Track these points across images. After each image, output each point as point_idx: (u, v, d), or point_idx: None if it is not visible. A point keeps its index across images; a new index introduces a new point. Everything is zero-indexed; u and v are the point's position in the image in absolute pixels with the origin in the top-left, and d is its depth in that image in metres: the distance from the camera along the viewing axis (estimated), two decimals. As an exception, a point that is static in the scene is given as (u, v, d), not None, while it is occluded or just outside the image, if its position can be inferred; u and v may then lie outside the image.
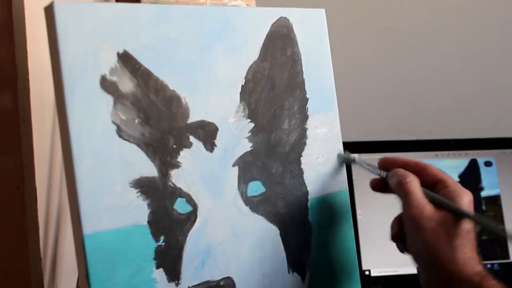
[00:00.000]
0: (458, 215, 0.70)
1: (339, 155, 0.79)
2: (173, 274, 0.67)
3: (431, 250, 0.69)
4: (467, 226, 0.70)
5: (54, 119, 0.85)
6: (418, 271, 0.73)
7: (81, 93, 0.62)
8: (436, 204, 0.71)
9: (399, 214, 0.74)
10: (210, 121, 0.70)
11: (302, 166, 0.76)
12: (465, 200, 0.71)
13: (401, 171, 0.74)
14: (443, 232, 0.69)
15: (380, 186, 0.77)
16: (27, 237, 0.72)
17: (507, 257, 1.36)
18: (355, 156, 0.79)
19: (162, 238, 0.66)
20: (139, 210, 0.65)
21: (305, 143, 0.77)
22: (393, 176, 0.74)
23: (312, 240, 0.76)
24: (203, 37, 0.70)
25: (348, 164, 0.79)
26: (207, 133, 0.69)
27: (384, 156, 0.77)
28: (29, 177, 0.73)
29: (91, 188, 0.62)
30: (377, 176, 0.77)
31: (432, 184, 0.74)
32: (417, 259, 0.71)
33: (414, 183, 0.72)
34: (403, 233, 0.72)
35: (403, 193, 0.72)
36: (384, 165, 0.77)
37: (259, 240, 0.72)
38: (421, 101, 1.61)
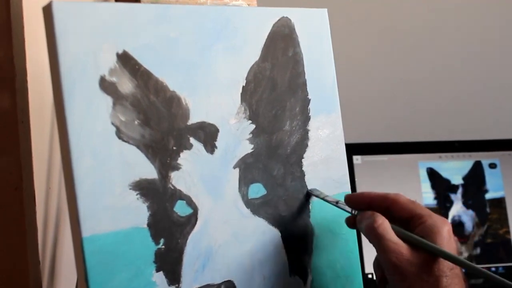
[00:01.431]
0: (438, 256, 0.67)
1: (308, 191, 0.76)
2: (173, 277, 0.67)
3: None
4: (449, 262, 0.67)
5: (53, 120, 0.85)
6: None
7: (80, 94, 0.62)
8: (412, 243, 0.68)
9: (376, 257, 0.71)
10: (211, 122, 0.70)
11: (304, 168, 0.76)
12: (444, 234, 0.68)
13: (368, 214, 0.70)
14: (426, 276, 0.66)
15: (354, 223, 0.73)
16: (26, 239, 0.72)
17: (512, 260, 1.36)
18: (321, 193, 0.76)
19: (162, 240, 0.66)
20: (138, 212, 0.65)
21: (307, 145, 0.77)
22: (360, 221, 0.71)
23: (314, 243, 0.76)
24: (204, 37, 0.70)
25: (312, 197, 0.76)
26: (208, 135, 0.69)
27: (348, 194, 0.74)
28: (28, 179, 0.73)
29: (90, 190, 0.62)
30: (347, 213, 0.74)
31: (406, 218, 0.70)
32: None
33: (384, 225, 0.68)
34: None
35: (375, 238, 0.69)
36: (351, 203, 0.73)
37: (260, 243, 0.72)
38: (425, 102, 1.61)
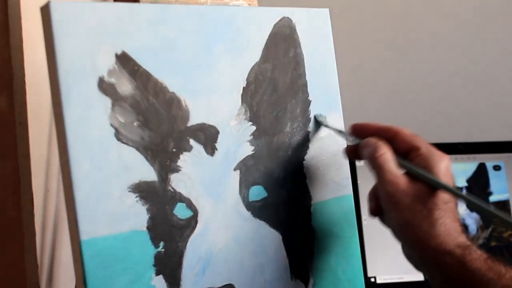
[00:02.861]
0: (435, 187, 0.68)
1: (315, 116, 0.77)
2: (173, 281, 0.67)
3: (409, 226, 0.67)
4: (445, 195, 0.68)
5: (51, 122, 0.85)
6: (401, 245, 0.71)
7: (78, 95, 0.62)
8: (411, 175, 0.69)
9: (374, 186, 0.72)
10: (211, 124, 0.70)
11: (305, 170, 0.76)
12: (441, 167, 0.69)
13: (372, 141, 0.71)
14: (419, 207, 0.67)
15: (352, 153, 0.75)
16: (24, 243, 0.72)
17: (517, 263, 1.36)
18: (326, 120, 0.77)
19: (161, 244, 0.66)
20: (138, 215, 0.65)
21: (308, 147, 0.77)
22: (364, 147, 0.72)
23: (316, 246, 0.76)
24: (204, 37, 0.70)
25: (319, 126, 0.77)
26: (208, 136, 0.69)
27: (354, 123, 0.75)
28: (26, 182, 0.73)
29: (89, 193, 0.62)
30: (351, 143, 0.75)
31: (406, 150, 0.71)
32: (396, 235, 0.70)
33: (386, 155, 0.70)
34: (381, 207, 0.70)
35: (375, 167, 0.70)
36: (356, 132, 0.74)
37: (261, 246, 0.72)
38: (429, 103, 1.61)
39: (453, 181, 0.70)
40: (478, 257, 0.65)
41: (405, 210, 0.68)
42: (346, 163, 0.79)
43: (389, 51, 1.60)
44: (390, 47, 1.60)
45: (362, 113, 1.55)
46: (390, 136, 0.72)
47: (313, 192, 0.76)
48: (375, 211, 0.71)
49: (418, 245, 0.67)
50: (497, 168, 1.41)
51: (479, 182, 1.39)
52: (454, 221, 0.68)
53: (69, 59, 0.62)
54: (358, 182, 1.30)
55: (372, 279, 1.30)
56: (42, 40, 0.63)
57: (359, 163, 1.32)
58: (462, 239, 0.67)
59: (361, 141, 0.73)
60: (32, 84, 0.75)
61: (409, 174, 0.69)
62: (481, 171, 1.41)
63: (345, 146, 0.77)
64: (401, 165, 0.70)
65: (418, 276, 1.30)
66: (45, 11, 0.61)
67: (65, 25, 0.62)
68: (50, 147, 0.86)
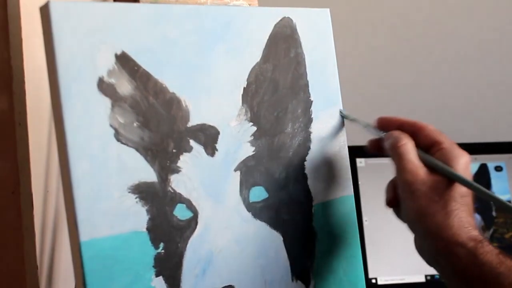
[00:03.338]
0: (452, 179, 0.69)
1: (340, 111, 0.78)
2: (173, 282, 0.66)
3: (424, 215, 0.68)
4: (462, 189, 0.69)
5: (51, 123, 0.85)
6: (414, 238, 0.71)
7: (78, 95, 0.62)
8: (431, 167, 0.70)
9: (394, 178, 0.73)
10: (211, 124, 0.70)
11: (306, 171, 0.76)
12: (461, 162, 0.71)
13: (396, 133, 0.73)
14: (436, 197, 0.68)
15: (376, 147, 0.76)
16: (23, 244, 0.72)
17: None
18: (353, 116, 0.78)
19: (161, 245, 0.66)
20: (137, 216, 0.65)
21: (309, 147, 0.77)
22: (387, 138, 0.73)
23: (317, 247, 0.76)
24: (204, 37, 0.70)
25: (343, 121, 0.79)
26: (208, 137, 0.69)
27: (380, 116, 0.76)
28: (25, 182, 0.73)
29: (88, 194, 0.62)
30: (375, 137, 0.76)
31: (428, 145, 0.73)
32: (410, 225, 0.70)
33: (407, 146, 0.71)
34: (398, 199, 0.71)
35: (396, 157, 0.71)
36: (381, 125, 0.75)
37: (261, 247, 0.72)
38: (430, 104, 1.61)
39: (471, 178, 0.71)
40: (490, 251, 0.66)
41: (421, 199, 0.68)
42: (347, 164, 0.79)
43: (390, 51, 1.59)
44: (391, 47, 1.60)
45: (363, 113, 1.55)
46: (414, 131, 0.73)
47: (314, 193, 0.76)
48: (392, 202, 0.72)
49: (431, 235, 0.68)
50: (498, 169, 1.41)
51: (480, 183, 1.38)
52: (469, 215, 0.69)
53: (69, 59, 0.62)
54: (359, 183, 1.30)
55: (373, 280, 1.30)
56: (41, 40, 0.63)
57: (361, 164, 1.32)
58: (475, 233, 0.68)
59: (386, 133, 0.74)
60: (32, 85, 0.75)
61: (429, 167, 0.70)
62: (483, 172, 1.40)
63: (368, 140, 0.77)
64: (421, 158, 0.71)
65: (419, 277, 1.30)
66: (45, 11, 0.61)
67: (65, 25, 0.62)
68: (49, 148, 0.86)
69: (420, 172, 0.70)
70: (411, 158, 0.70)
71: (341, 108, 0.79)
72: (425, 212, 0.68)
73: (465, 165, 0.71)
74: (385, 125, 0.75)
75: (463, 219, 0.68)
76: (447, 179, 0.69)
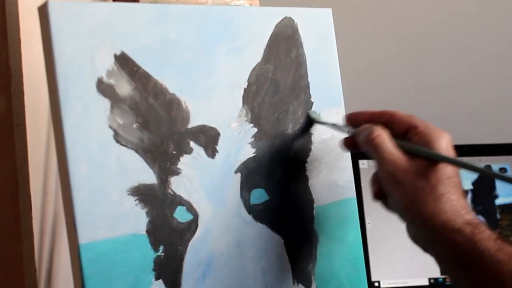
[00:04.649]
0: (435, 160, 0.67)
1: (308, 113, 0.77)
2: (173, 286, 0.66)
3: (413, 204, 0.66)
4: (448, 170, 0.67)
5: (49, 124, 0.85)
6: (406, 227, 0.70)
7: (76, 96, 0.62)
8: (411, 153, 0.68)
9: (376, 171, 0.71)
10: (212, 126, 0.70)
11: (307, 173, 0.76)
12: (442, 142, 0.69)
13: (366, 126, 0.71)
14: (422, 183, 0.66)
15: (350, 144, 0.74)
16: (21, 247, 0.72)
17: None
18: (319, 113, 0.77)
19: (161, 248, 0.66)
20: (137, 218, 0.65)
21: (310, 149, 0.76)
22: (359, 133, 0.71)
23: (318, 250, 0.76)
24: (204, 38, 0.70)
25: (312, 123, 0.77)
26: (208, 139, 0.69)
27: (348, 113, 0.75)
28: (23, 184, 0.73)
29: (87, 196, 0.62)
30: (347, 135, 0.74)
31: (403, 132, 0.71)
32: (401, 215, 0.69)
33: (382, 136, 0.69)
34: (384, 191, 0.70)
35: (372, 149, 0.69)
36: (351, 122, 0.74)
37: (262, 250, 0.72)
38: (433, 105, 1.61)
39: (454, 156, 0.69)
40: (488, 237, 0.65)
41: (407, 188, 0.67)
42: (349, 165, 0.79)
43: (393, 52, 1.59)
44: (394, 47, 1.59)
45: (366, 115, 1.55)
46: (385, 120, 0.72)
47: (316, 195, 0.76)
48: (379, 195, 0.71)
49: (425, 223, 0.66)
50: (502, 170, 1.41)
51: (484, 185, 1.39)
52: (460, 197, 0.67)
53: (67, 59, 0.62)
54: (362, 185, 1.29)
55: (376, 284, 1.30)
56: (40, 41, 0.62)
57: (363, 166, 1.32)
58: (469, 216, 0.66)
59: (357, 129, 0.72)
60: (30, 85, 0.75)
61: (409, 153, 0.69)
62: (487, 173, 1.40)
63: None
64: (399, 146, 0.69)
65: (423, 281, 1.30)
66: (43, 11, 0.61)
67: (63, 25, 0.62)
68: (48, 149, 0.86)
69: (400, 160, 0.68)
70: (388, 148, 0.69)
71: (343, 110, 0.79)
72: (414, 200, 0.66)
73: (447, 144, 0.69)
74: (354, 120, 0.74)
75: (455, 202, 0.66)
76: (430, 162, 0.67)
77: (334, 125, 0.76)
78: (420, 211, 0.66)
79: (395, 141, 0.69)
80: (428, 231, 0.66)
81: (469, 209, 0.67)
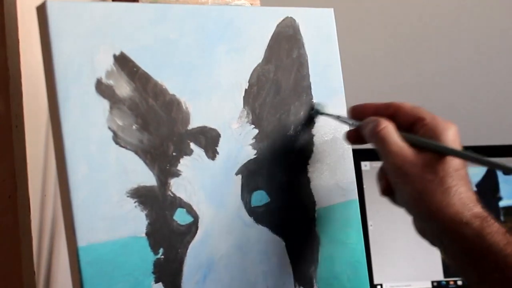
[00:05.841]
0: (443, 153, 0.67)
1: (313, 105, 0.76)
2: (173, 288, 0.66)
3: (421, 197, 0.66)
4: (455, 163, 0.67)
5: (48, 125, 0.85)
6: (413, 220, 0.70)
7: (75, 97, 0.62)
8: (418, 146, 0.68)
9: (382, 165, 0.70)
10: (212, 127, 0.70)
11: (309, 175, 0.76)
12: (449, 134, 0.68)
13: (372, 118, 0.70)
14: (430, 176, 0.66)
15: (355, 137, 0.73)
16: (20, 249, 0.72)
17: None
18: (323, 105, 0.76)
19: (161, 250, 0.66)
20: (137, 221, 0.64)
21: (312, 150, 0.76)
22: (365, 126, 0.71)
23: (320, 253, 0.76)
24: (205, 38, 0.70)
25: (313, 118, 0.77)
26: (209, 140, 0.69)
27: (352, 105, 0.74)
28: (22, 186, 0.73)
29: (86, 198, 0.62)
30: (351, 127, 0.74)
31: (410, 124, 0.70)
32: (408, 209, 0.68)
33: (388, 128, 0.69)
34: (391, 185, 0.69)
35: (378, 142, 0.69)
36: (355, 114, 0.73)
37: (263, 253, 0.72)
38: (436, 106, 1.60)
39: (462, 148, 0.69)
40: (496, 230, 0.64)
41: (415, 181, 0.66)
42: (351, 167, 0.79)
43: (394, 52, 1.59)
44: (396, 47, 1.59)
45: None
46: (391, 113, 0.71)
47: (318, 197, 0.76)
48: (386, 191, 0.70)
49: (433, 216, 0.66)
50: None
51: (488, 187, 1.39)
52: (468, 190, 0.67)
53: (66, 60, 0.61)
54: (364, 186, 1.29)
55: (379, 287, 1.30)
56: (39, 41, 0.62)
57: (365, 168, 1.32)
58: (478, 209, 0.66)
59: (362, 122, 0.72)
60: (29, 86, 0.75)
61: (416, 146, 0.68)
62: (491, 175, 1.40)
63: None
64: (406, 139, 0.69)
65: (426, 283, 1.30)
66: (41, 11, 0.61)
67: (62, 25, 0.62)
68: (47, 151, 0.86)
69: (407, 153, 0.67)
70: (395, 140, 0.68)
71: (345, 111, 0.79)
72: (421, 193, 0.66)
73: (454, 136, 0.69)
74: (359, 113, 0.73)
75: (463, 195, 0.66)
76: (437, 155, 0.67)
77: (338, 117, 0.75)
78: (428, 204, 0.66)
79: (402, 134, 0.69)
80: (436, 224, 0.66)
81: (477, 201, 0.67)
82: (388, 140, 0.68)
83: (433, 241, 0.69)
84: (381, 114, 0.71)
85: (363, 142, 0.72)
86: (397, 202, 0.70)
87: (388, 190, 0.70)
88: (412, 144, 0.68)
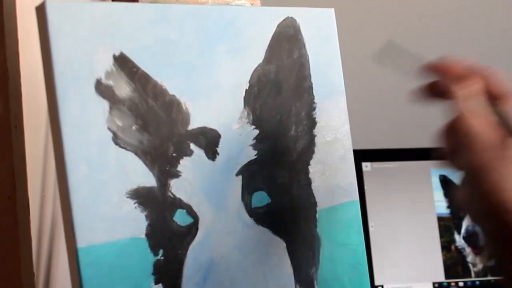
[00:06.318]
0: None
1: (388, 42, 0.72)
2: (173, 290, 0.66)
3: (482, 170, 0.63)
4: None
5: (47, 126, 0.85)
6: (461, 188, 0.66)
7: (75, 97, 0.62)
8: (498, 121, 0.65)
9: (451, 122, 0.67)
10: (212, 127, 0.70)
11: (310, 175, 0.76)
12: None
13: (462, 72, 0.67)
14: (500, 154, 0.63)
15: (431, 91, 0.71)
16: (19, 250, 0.72)
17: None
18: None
19: (161, 252, 0.66)
20: (136, 222, 0.64)
21: (313, 151, 0.76)
22: (450, 79, 0.68)
23: (321, 254, 0.76)
24: (205, 38, 0.70)
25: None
26: (209, 141, 0.69)
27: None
28: (21, 187, 0.73)
29: (86, 199, 0.62)
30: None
31: (496, 96, 0.67)
32: (465, 177, 0.65)
33: (475, 87, 0.66)
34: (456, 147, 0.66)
35: (461, 99, 0.66)
36: (436, 72, 0.70)
37: (264, 254, 0.72)
38: (437, 106, 1.60)
39: None
40: None
41: (483, 152, 0.63)
42: (352, 168, 0.79)
43: (396, 53, 1.59)
44: (397, 48, 1.59)
45: (369, 114, 1.55)
46: (482, 76, 0.69)
47: (318, 198, 0.76)
48: (452, 151, 0.67)
49: (484, 195, 0.63)
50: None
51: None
52: None
53: (66, 60, 0.61)
54: (365, 188, 1.29)
55: (379, 288, 1.30)
56: (38, 41, 0.62)
57: (366, 168, 1.32)
58: None
59: (447, 74, 0.68)
60: (28, 86, 0.75)
61: (496, 119, 0.65)
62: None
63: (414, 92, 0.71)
64: (488, 109, 0.66)
65: (427, 285, 1.29)
66: (41, 11, 0.61)
67: (61, 25, 0.62)
68: (46, 152, 0.86)
69: (487, 122, 0.64)
70: (479, 103, 0.65)
71: (346, 112, 0.78)
72: (485, 166, 0.63)
73: None
74: (442, 71, 0.70)
75: None
76: None
77: (417, 60, 0.71)
78: (485, 180, 0.63)
79: (486, 101, 0.66)
80: (484, 204, 0.63)
81: None
82: (472, 100, 0.66)
83: (475, 219, 0.66)
84: (470, 73, 0.68)
85: (438, 96, 0.70)
86: (455, 164, 0.67)
87: (453, 151, 0.67)
88: (494, 115, 0.66)
